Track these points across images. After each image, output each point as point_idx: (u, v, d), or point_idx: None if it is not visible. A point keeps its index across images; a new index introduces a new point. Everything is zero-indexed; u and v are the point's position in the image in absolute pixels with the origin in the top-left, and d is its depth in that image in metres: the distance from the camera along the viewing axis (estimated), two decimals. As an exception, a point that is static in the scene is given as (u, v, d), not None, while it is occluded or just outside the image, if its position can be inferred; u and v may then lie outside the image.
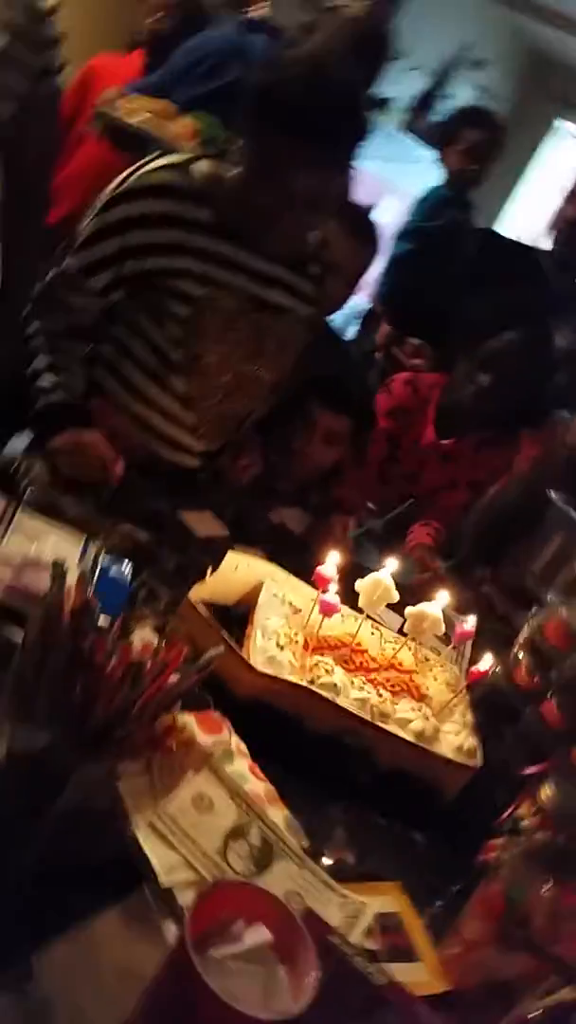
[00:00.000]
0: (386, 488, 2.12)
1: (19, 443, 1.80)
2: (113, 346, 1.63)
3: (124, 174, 1.54)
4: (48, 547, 1.22)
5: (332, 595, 1.28)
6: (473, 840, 1.23)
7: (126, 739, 0.79)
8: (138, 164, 1.53)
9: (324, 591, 1.29)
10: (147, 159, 1.53)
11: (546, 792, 1.20)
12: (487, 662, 1.32)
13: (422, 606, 1.31)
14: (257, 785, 1.04)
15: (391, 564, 1.33)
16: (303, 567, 1.45)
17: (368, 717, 1.20)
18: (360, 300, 2.46)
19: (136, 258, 1.51)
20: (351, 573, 1.39)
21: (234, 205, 1.49)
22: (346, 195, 1.96)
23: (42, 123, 1.61)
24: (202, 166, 1.52)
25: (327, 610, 1.26)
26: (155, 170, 1.51)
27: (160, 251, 1.51)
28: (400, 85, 4.31)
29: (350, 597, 1.35)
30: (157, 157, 1.53)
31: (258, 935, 0.77)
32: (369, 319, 2.35)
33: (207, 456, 1.73)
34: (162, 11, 2.55)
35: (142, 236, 1.50)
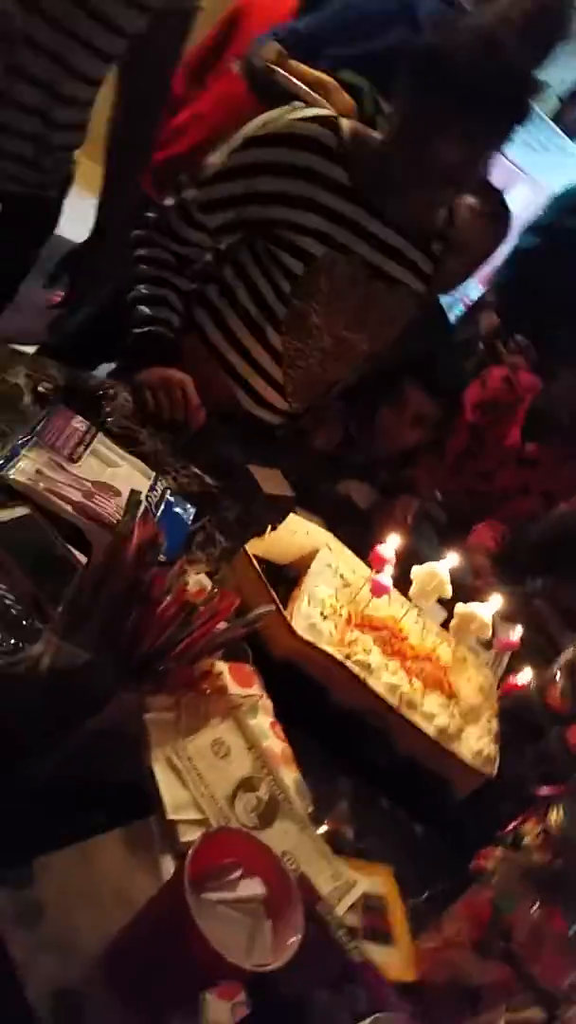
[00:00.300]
0: (458, 480, 2.10)
1: (109, 367, 1.84)
2: (218, 289, 1.63)
3: (265, 116, 1.52)
4: (120, 476, 1.25)
5: (386, 576, 1.28)
6: (471, 844, 1.24)
7: (165, 675, 0.81)
8: (285, 109, 1.51)
9: (378, 571, 1.29)
10: (295, 107, 1.51)
11: (555, 815, 1.20)
12: (526, 676, 1.31)
13: (473, 606, 1.30)
14: (276, 743, 1.06)
15: (452, 559, 1.32)
16: (361, 542, 1.46)
17: (395, 703, 1.21)
18: (473, 284, 2.42)
19: (261, 204, 1.50)
20: (408, 558, 1.39)
21: (373, 170, 1.47)
22: (485, 175, 1.91)
23: (169, 40, 1.57)
24: (351, 126, 1.49)
25: (378, 590, 1.27)
26: (304, 120, 1.49)
27: (288, 202, 1.49)
28: (560, 69, 4.15)
29: (402, 581, 1.36)
30: (307, 107, 1.51)
31: (253, 887, 0.79)
32: (478, 306, 2.30)
33: (289, 416, 1.73)
34: None
35: (272, 183, 1.48)
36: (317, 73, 2.01)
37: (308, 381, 1.67)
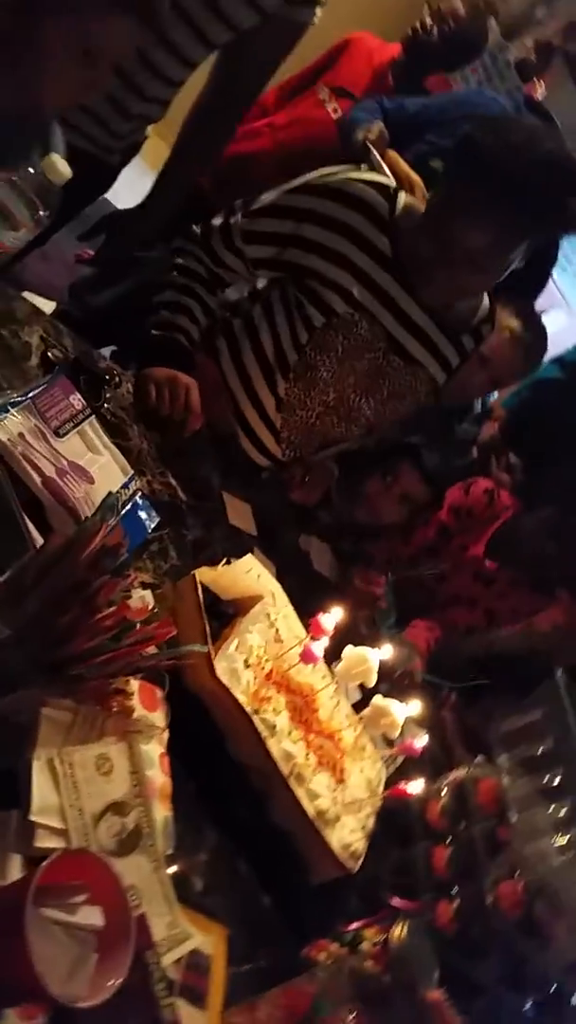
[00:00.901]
0: (412, 570, 2.12)
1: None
2: (243, 324, 1.63)
3: (330, 169, 1.54)
4: (97, 464, 1.24)
5: (319, 645, 1.28)
6: (311, 931, 1.23)
7: (79, 681, 0.80)
8: (351, 167, 1.54)
9: (314, 638, 1.29)
10: (361, 167, 1.54)
11: (399, 930, 1.20)
12: (416, 787, 1.31)
13: (390, 703, 1.31)
14: (158, 776, 1.04)
15: (387, 650, 1.33)
16: (304, 602, 1.46)
17: (286, 771, 1.20)
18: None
19: (301, 250, 1.51)
20: (346, 633, 1.39)
21: (409, 243, 1.49)
22: (533, 299, 1.96)
23: (274, 44, 1.60)
24: (406, 199, 1.52)
25: (307, 657, 1.27)
26: (364, 182, 1.51)
27: (326, 255, 1.51)
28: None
29: (333, 653, 1.36)
30: (370, 170, 1.54)
31: (92, 917, 0.77)
32: (484, 413, 2.35)
33: (278, 462, 1.73)
34: (444, 21, 2.55)
35: (317, 233, 1.50)
36: (408, 170, 2.05)
37: (303, 431, 1.68)
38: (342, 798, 1.27)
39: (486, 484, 2.12)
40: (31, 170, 1.00)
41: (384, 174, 1.87)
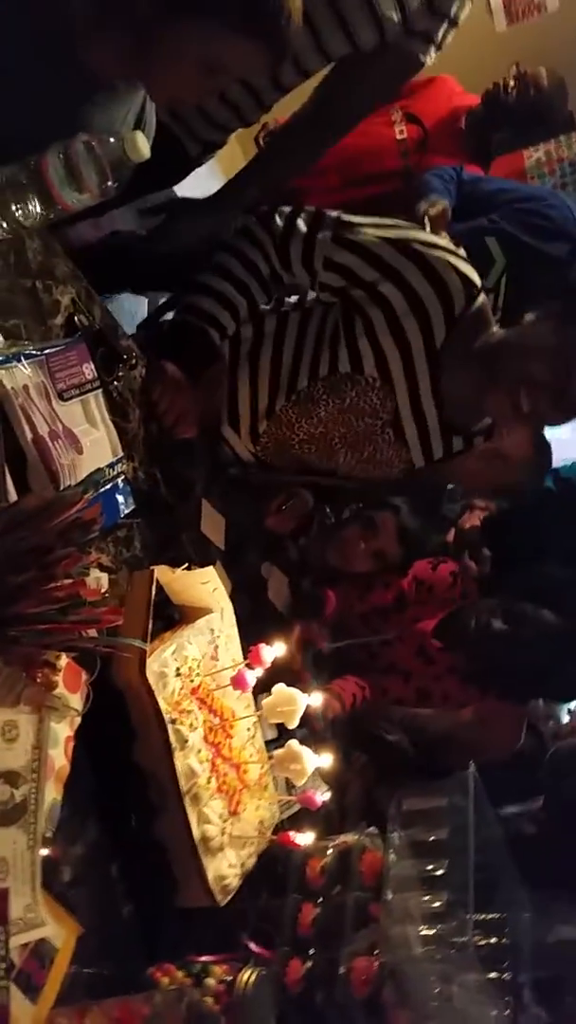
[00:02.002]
0: (359, 629, 2.12)
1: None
2: (275, 325, 1.60)
3: (433, 239, 1.53)
4: (91, 436, 1.23)
5: (253, 675, 1.28)
6: (163, 952, 1.21)
7: (15, 642, 0.79)
8: (452, 246, 1.54)
9: (250, 666, 1.29)
10: (460, 252, 1.53)
11: (247, 975, 1.18)
12: (305, 840, 1.30)
13: (305, 752, 1.30)
14: (59, 758, 1.03)
15: (316, 698, 1.32)
16: (248, 628, 1.45)
17: (184, 788, 1.19)
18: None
19: (368, 296, 1.49)
20: (280, 670, 1.39)
21: (462, 348, 1.50)
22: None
23: (384, 74, 1.64)
24: (484, 304, 1.53)
25: (238, 683, 1.26)
26: (457, 270, 1.49)
27: (388, 312, 1.49)
28: None
29: (263, 685, 1.35)
30: (467, 263, 1.53)
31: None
32: (467, 505, 2.37)
33: (246, 462, 1.71)
34: (526, 85, 2.63)
35: (393, 294, 1.48)
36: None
37: (280, 446, 1.65)
38: (231, 830, 1.26)
39: (453, 567, 2.13)
40: (111, 140, 1.01)
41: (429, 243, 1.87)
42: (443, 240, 1.56)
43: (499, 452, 1.84)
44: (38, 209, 0.99)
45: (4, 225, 1.00)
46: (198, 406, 1.54)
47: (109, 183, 1.02)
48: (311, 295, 1.62)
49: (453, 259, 1.50)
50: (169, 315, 1.82)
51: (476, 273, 1.53)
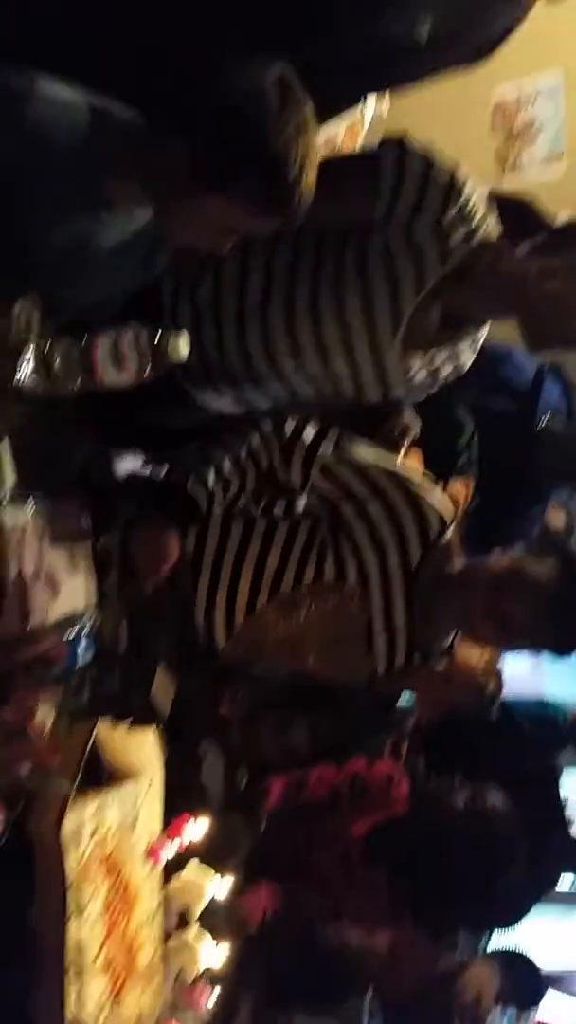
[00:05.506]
0: (289, 824, 2.07)
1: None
2: (265, 524, 1.65)
3: (414, 478, 1.66)
4: (69, 583, 1.28)
5: (170, 850, 1.26)
6: None
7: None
8: (430, 483, 1.68)
9: (170, 838, 1.27)
10: (434, 487, 1.68)
11: None
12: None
13: (203, 942, 1.26)
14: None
15: (224, 888, 1.29)
16: (172, 802, 1.43)
17: (67, 960, 1.14)
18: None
19: (358, 514, 1.60)
20: (198, 851, 1.37)
21: (437, 571, 1.61)
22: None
23: None
24: (455, 536, 1.64)
25: (153, 854, 1.24)
26: (433, 504, 1.61)
27: (373, 535, 1.60)
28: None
29: (176, 863, 1.32)
30: (442, 493, 1.67)
31: None
32: (414, 735, 2.36)
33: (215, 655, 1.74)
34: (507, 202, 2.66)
35: (378, 514, 1.61)
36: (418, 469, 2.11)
37: (254, 640, 1.69)
38: (107, 1017, 1.20)
39: (388, 767, 2.11)
40: (156, 341, 1.12)
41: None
42: (421, 480, 1.69)
43: (452, 673, 1.89)
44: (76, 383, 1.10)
45: (43, 385, 1.10)
46: (176, 561, 1.57)
47: (149, 370, 1.12)
48: (301, 504, 1.71)
49: (430, 496, 1.63)
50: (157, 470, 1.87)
51: (449, 505, 1.66)
